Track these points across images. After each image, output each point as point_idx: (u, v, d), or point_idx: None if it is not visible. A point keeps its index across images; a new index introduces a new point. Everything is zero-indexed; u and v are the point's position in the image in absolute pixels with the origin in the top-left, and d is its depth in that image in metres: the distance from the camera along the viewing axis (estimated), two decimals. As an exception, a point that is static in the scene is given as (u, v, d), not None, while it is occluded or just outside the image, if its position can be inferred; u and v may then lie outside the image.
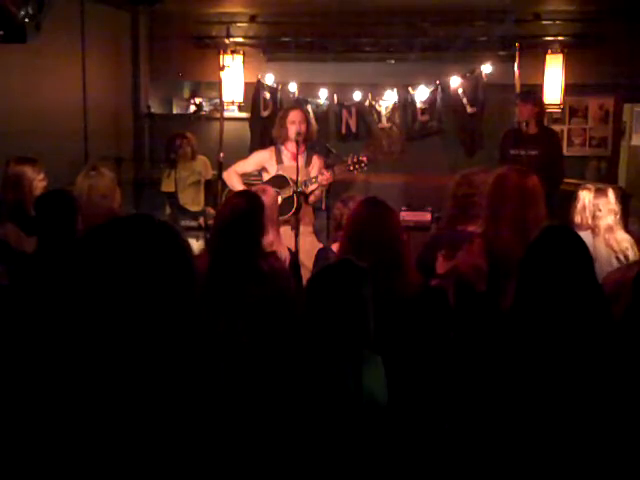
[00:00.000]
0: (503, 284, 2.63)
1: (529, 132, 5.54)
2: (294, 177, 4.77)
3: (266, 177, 5.15)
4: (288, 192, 4.88)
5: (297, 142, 4.80)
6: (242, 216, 2.98)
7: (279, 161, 5.09)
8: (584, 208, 3.90)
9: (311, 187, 4.96)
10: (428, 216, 6.03)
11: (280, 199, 4.84)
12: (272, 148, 5.18)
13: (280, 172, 5.02)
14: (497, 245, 2.76)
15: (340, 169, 4.99)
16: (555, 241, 2.21)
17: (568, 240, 2.22)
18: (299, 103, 6.55)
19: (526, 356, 2.12)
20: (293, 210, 4.81)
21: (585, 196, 3.93)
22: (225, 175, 5.24)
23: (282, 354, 2.33)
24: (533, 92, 5.94)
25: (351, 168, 5.00)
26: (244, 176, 5.26)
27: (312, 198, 5.08)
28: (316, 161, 5.13)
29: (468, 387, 2.43)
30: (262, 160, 5.17)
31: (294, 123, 4.95)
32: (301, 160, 4.83)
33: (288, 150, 5.07)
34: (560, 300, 2.12)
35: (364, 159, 4.99)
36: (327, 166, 5.11)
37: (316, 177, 4.94)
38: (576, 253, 2.18)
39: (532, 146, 5.42)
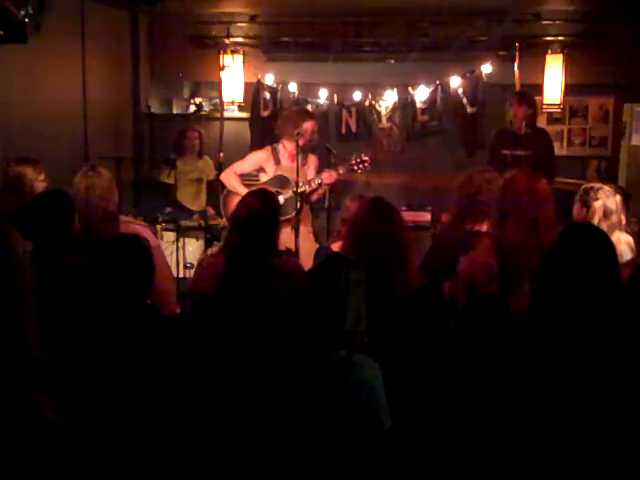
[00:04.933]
0: (513, 285, 2.63)
1: (521, 133, 5.53)
2: (293, 177, 4.78)
3: (264, 177, 5.16)
4: (290, 192, 4.89)
5: (297, 142, 4.80)
6: (258, 215, 3.02)
7: (277, 161, 5.10)
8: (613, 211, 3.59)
9: (313, 186, 4.98)
10: (428, 216, 6.04)
11: (282, 199, 4.86)
12: (269, 148, 5.18)
13: (280, 172, 5.03)
14: (506, 245, 2.75)
15: (344, 169, 5.02)
16: (582, 238, 2.19)
17: (595, 237, 2.20)
18: (299, 103, 6.56)
19: (549, 353, 2.10)
20: (296, 210, 4.82)
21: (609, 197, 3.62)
22: (223, 176, 5.24)
23: (287, 352, 2.33)
24: (528, 93, 5.93)
25: (355, 168, 5.03)
26: (242, 177, 5.27)
27: (315, 197, 5.11)
28: (312, 160, 5.16)
29: (474, 388, 2.42)
30: (259, 160, 5.17)
31: (312, 133, 5.01)
32: (299, 159, 4.83)
33: (286, 150, 5.08)
34: (587, 296, 2.10)
35: (367, 159, 5.02)
36: (331, 165, 5.13)
37: (320, 176, 4.96)
38: (603, 250, 2.16)
39: (524, 147, 5.41)
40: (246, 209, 3.06)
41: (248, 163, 5.23)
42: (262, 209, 3.05)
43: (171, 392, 2.24)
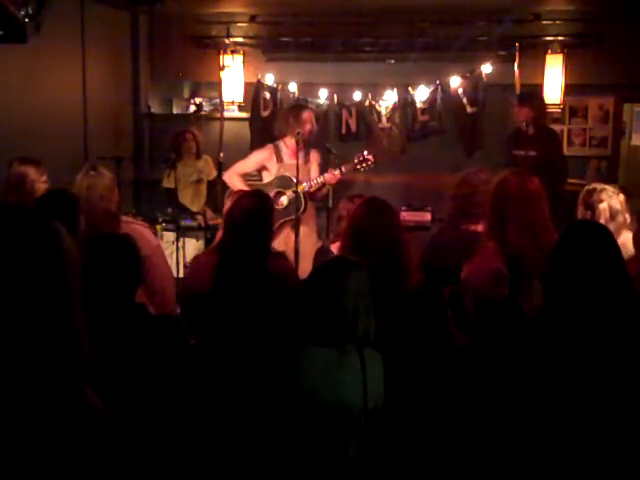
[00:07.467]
0: (524, 286, 2.63)
1: (528, 133, 5.56)
2: (295, 174, 4.77)
3: (266, 176, 5.15)
4: (292, 192, 4.89)
5: (297, 141, 4.80)
6: (252, 216, 3.02)
7: (279, 159, 5.09)
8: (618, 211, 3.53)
9: (316, 186, 4.97)
10: (428, 216, 6.03)
11: (286, 200, 4.89)
12: (270, 146, 5.18)
13: (282, 172, 5.02)
14: (512, 250, 2.75)
15: (347, 167, 5.01)
16: (585, 234, 2.19)
17: (597, 233, 2.20)
18: (299, 103, 6.56)
19: (560, 354, 2.09)
20: (300, 210, 4.82)
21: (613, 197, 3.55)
22: (226, 177, 5.23)
23: (279, 351, 2.33)
24: (531, 94, 5.94)
25: (358, 167, 5.03)
26: (245, 176, 5.26)
27: (319, 195, 5.10)
28: (314, 156, 5.16)
29: (483, 388, 2.41)
30: (262, 159, 5.17)
31: (309, 123, 5.01)
32: (301, 157, 4.82)
33: (288, 148, 5.07)
34: (594, 293, 2.09)
35: (370, 157, 5.02)
36: (331, 165, 5.13)
37: (322, 176, 4.96)
38: (607, 245, 2.16)
39: (531, 147, 5.44)
40: (240, 210, 3.06)
41: (251, 163, 5.22)
42: (255, 210, 3.05)
43: (157, 389, 2.24)
